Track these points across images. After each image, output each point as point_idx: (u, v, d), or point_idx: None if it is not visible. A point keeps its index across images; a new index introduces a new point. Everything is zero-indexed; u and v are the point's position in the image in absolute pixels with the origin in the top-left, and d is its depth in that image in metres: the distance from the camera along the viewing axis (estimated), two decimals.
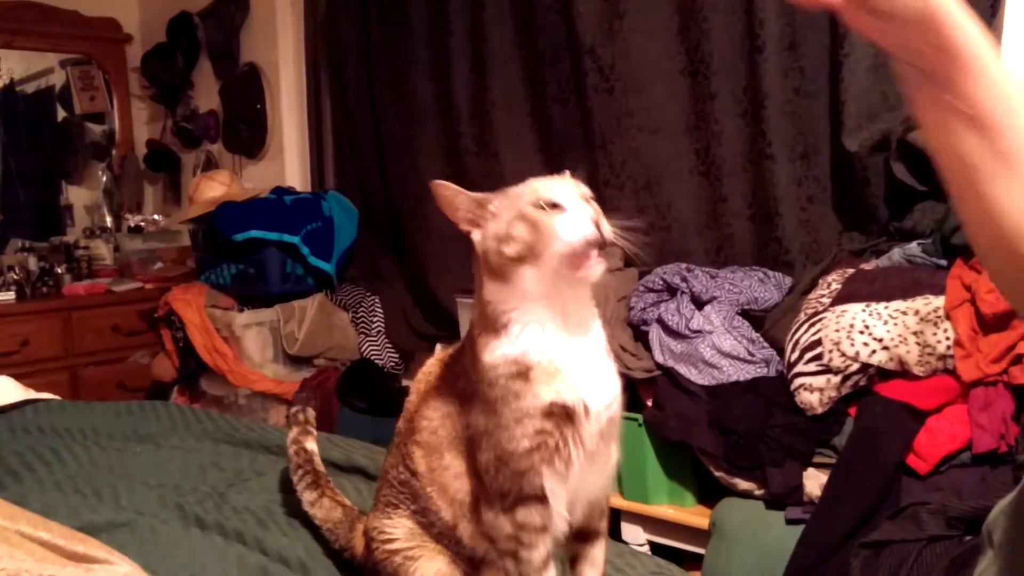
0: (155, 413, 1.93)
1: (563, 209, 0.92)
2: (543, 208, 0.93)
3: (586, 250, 0.91)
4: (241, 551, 1.26)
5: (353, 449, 1.72)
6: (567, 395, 0.93)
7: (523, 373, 0.93)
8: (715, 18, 2.46)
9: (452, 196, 0.97)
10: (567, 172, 1.04)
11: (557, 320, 0.95)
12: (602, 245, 0.92)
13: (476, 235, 0.97)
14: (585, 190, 0.98)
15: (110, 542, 1.16)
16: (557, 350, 0.94)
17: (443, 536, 1.04)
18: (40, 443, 1.64)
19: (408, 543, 1.06)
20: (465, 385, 1.00)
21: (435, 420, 1.04)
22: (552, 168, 2.93)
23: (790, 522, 1.82)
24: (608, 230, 0.92)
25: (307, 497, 1.29)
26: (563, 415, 0.93)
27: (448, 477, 1.02)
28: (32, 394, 2.03)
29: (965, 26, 0.67)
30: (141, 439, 1.73)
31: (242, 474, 1.60)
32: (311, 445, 1.34)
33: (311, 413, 1.38)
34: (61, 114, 4.59)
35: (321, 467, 1.32)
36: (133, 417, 1.90)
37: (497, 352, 0.95)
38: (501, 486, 0.95)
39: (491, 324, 0.96)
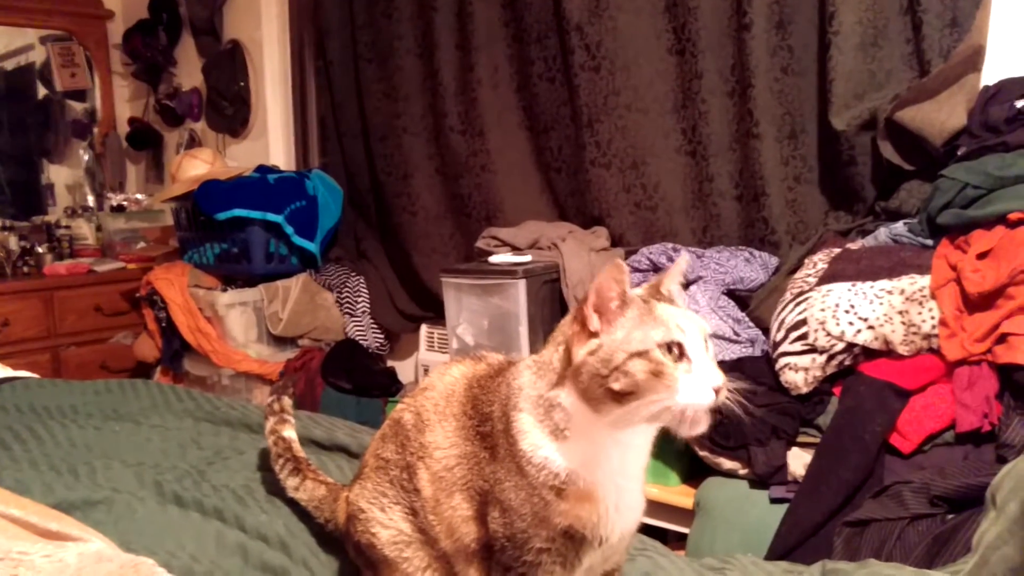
0: (135, 391, 1.90)
1: (689, 361, 0.86)
2: (670, 352, 0.86)
3: (699, 415, 0.85)
4: (220, 528, 1.25)
5: (336, 428, 1.70)
6: (588, 528, 0.91)
7: (558, 488, 0.90)
8: None
9: (617, 282, 0.88)
10: (685, 258, 0.99)
11: (617, 451, 0.90)
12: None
13: (592, 344, 0.88)
14: (708, 329, 0.91)
15: (86, 519, 1.14)
16: (600, 477, 0.90)
17: (438, 559, 1.01)
18: (17, 421, 1.62)
19: (395, 552, 1.04)
20: (491, 437, 0.95)
21: (450, 454, 0.98)
22: (538, 148, 2.91)
23: (774, 501, 1.82)
24: (724, 398, 0.86)
25: (290, 483, 1.28)
26: (580, 538, 0.91)
27: (456, 519, 0.98)
28: (9, 372, 2.00)
29: None
30: (120, 417, 1.71)
31: (222, 452, 1.58)
32: (288, 433, 1.32)
33: (287, 402, 1.37)
34: (42, 91, 4.52)
35: (300, 452, 1.31)
36: (112, 395, 1.87)
37: (541, 453, 0.90)
38: (508, 562, 0.94)
39: (549, 421, 0.90)
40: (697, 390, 0.85)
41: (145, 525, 1.22)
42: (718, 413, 0.86)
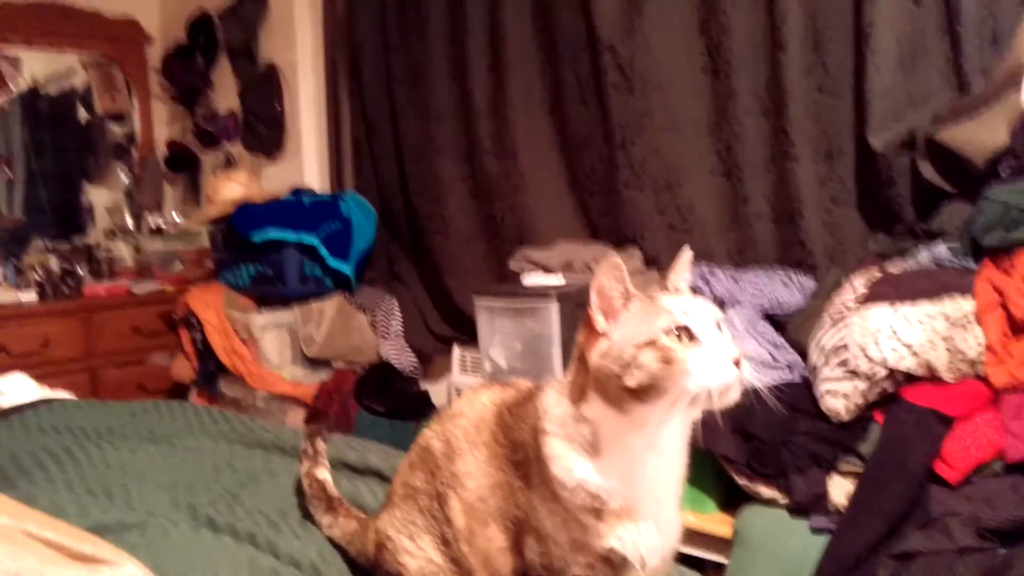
0: (170, 413, 1.91)
1: (699, 342, 0.84)
2: (678, 337, 0.84)
3: (723, 393, 0.83)
4: (253, 553, 1.24)
5: (369, 451, 1.69)
6: (629, 548, 0.89)
7: (596, 509, 0.88)
8: (736, 15, 2.43)
9: (617, 279, 0.89)
10: (689, 252, 1.00)
11: (652, 458, 0.89)
12: None
13: (603, 345, 0.88)
14: (719, 314, 0.90)
15: (120, 543, 1.14)
16: (639, 492, 0.89)
17: None
18: (54, 442, 1.63)
19: None
20: (524, 464, 0.94)
21: (483, 484, 0.97)
22: (571, 170, 2.88)
23: (816, 531, 1.77)
24: (748, 370, 0.84)
25: (325, 522, 1.30)
26: (620, 562, 0.89)
27: (492, 550, 0.97)
28: (48, 392, 2.02)
29: None
30: (155, 439, 1.71)
31: (256, 475, 1.58)
32: (322, 475, 1.35)
33: (321, 445, 1.39)
34: (83, 115, 4.61)
35: (334, 492, 1.34)
36: (148, 417, 1.88)
37: (577, 474, 0.89)
38: None
39: (579, 439, 0.89)
40: (714, 368, 0.83)
41: (179, 549, 1.22)
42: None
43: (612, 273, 0.88)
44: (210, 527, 1.31)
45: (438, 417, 1.10)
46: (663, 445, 0.89)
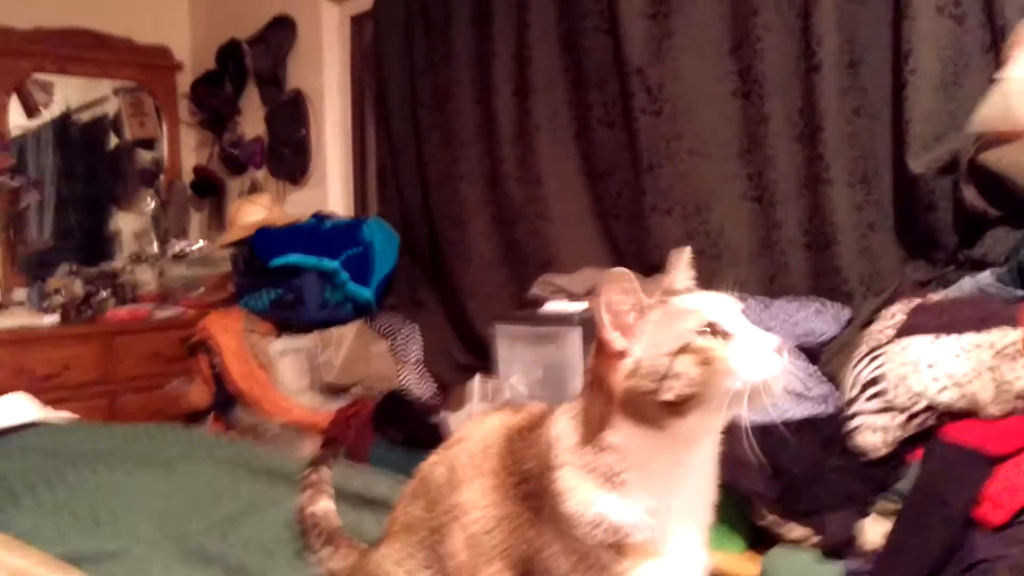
0: (173, 437, 1.85)
1: (732, 336, 0.78)
2: (714, 335, 0.78)
3: (770, 386, 0.77)
4: None
5: (377, 480, 1.63)
6: None
7: (619, 545, 0.80)
8: (769, 37, 2.35)
9: (626, 291, 0.82)
10: (687, 252, 0.93)
11: (685, 480, 0.81)
12: None
13: (628, 364, 0.81)
14: (740, 305, 0.84)
15: (97, 571, 1.07)
16: (667, 523, 0.81)
17: None
18: (46, 465, 1.58)
19: None
20: (534, 496, 0.86)
21: (488, 515, 0.89)
22: (596, 195, 2.79)
23: (851, 574, 1.65)
24: (787, 360, 0.78)
25: (324, 554, 1.23)
26: None
27: None
28: (50, 411, 1.97)
29: None
30: (155, 464, 1.65)
31: (257, 503, 1.51)
32: (323, 505, 1.28)
33: (326, 473, 1.31)
34: (113, 141, 4.64)
35: (335, 523, 1.27)
36: (149, 441, 1.83)
37: (595, 509, 0.81)
38: None
39: (601, 469, 0.81)
40: (758, 360, 0.77)
41: None
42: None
43: (620, 285, 0.81)
44: (200, 557, 1.24)
45: (443, 443, 1.02)
46: (695, 464, 0.83)
